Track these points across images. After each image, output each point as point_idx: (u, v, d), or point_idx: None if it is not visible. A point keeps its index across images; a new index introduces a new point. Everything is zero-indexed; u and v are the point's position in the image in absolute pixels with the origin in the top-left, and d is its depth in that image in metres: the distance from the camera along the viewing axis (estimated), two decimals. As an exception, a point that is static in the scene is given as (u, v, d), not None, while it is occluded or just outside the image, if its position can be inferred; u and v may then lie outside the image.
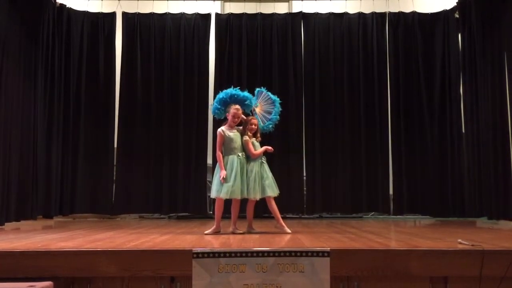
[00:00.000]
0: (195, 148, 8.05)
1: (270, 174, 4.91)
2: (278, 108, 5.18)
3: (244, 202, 4.92)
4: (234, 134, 4.86)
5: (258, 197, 4.81)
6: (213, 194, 4.82)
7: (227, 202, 4.86)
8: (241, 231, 4.81)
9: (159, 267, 3.23)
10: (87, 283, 3.26)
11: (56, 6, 7.89)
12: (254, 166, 4.82)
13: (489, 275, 3.21)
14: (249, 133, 4.92)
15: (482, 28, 7.17)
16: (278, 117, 5.18)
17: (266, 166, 4.90)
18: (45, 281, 3.04)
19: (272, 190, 4.83)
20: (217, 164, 4.86)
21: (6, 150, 6.14)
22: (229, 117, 4.90)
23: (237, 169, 4.70)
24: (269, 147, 5.00)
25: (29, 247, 3.46)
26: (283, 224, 4.86)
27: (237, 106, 4.90)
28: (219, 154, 4.81)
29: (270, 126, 5.16)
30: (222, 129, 4.89)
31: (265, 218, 6.48)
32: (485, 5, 7.18)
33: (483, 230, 5.52)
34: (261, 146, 5.00)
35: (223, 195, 4.68)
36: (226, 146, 4.84)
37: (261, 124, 5.09)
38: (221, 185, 4.70)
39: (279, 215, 4.91)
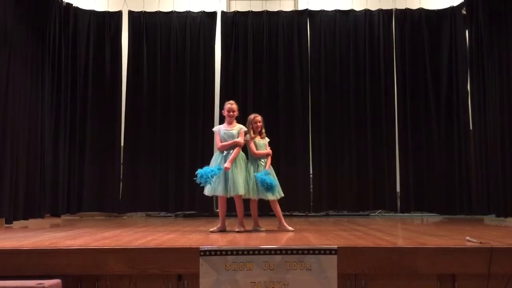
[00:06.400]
0: (201, 146, 8.05)
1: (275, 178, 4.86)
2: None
3: (247, 201, 4.90)
4: (230, 132, 4.79)
5: (252, 197, 4.77)
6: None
7: (230, 201, 4.84)
8: (245, 229, 4.78)
9: (166, 265, 3.24)
10: (95, 281, 3.28)
11: (63, 5, 7.91)
12: (251, 167, 4.78)
13: (498, 273, 3.19)
14: (252, 133, 4.87)
15: (490, 24, 7.12)
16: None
17: (262, 169, 4.78)
18: (54, 279, 3.05)
19: (272, 193, 4.75)
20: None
21: (14, 149, 6.16)
22: (225, 113, 4.89)
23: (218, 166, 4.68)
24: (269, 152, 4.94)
25: (37, 246, 3.48)
26: (285, 224, 4.87)
27: (231, 101, 4.91)
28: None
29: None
30: (219, 127, 4.92)
31: (271, 216, 6.46)
32: (492, 1, 7.13)
33: (491, 227, 5.50)
34: (269, 145, 4.98)
35: (207, 192, 4.73)
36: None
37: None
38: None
39: (281, 216, 4.90)
